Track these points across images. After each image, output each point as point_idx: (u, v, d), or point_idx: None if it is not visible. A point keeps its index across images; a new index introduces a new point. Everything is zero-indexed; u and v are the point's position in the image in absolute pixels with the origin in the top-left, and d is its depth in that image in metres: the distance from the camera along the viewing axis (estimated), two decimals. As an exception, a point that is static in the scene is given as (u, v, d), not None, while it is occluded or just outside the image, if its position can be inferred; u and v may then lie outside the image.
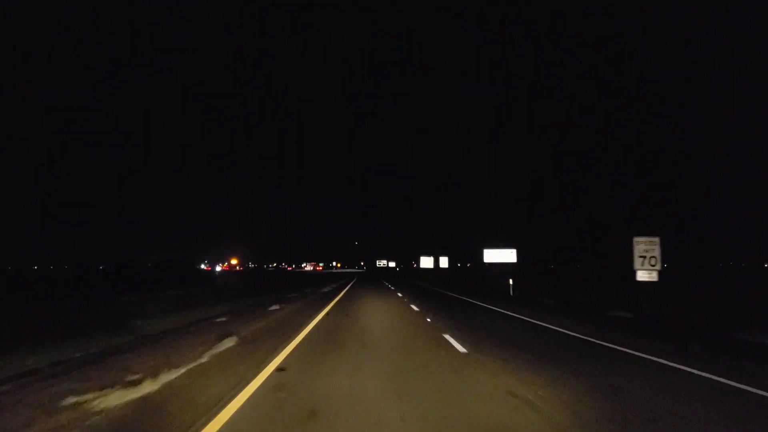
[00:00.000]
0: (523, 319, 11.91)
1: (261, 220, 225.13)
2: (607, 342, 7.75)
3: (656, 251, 11.64)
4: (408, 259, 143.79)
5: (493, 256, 29.39)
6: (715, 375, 5.33)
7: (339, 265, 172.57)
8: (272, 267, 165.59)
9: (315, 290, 25.34)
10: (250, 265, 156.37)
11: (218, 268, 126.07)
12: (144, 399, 4.19)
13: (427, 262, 64.37)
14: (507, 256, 29.26)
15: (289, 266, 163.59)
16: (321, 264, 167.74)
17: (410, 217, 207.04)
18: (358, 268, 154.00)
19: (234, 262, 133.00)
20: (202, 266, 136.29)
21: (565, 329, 9.37)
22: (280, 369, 5.52)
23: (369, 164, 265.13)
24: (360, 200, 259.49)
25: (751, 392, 4.70)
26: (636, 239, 11.90)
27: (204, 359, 5.97)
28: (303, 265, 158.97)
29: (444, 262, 48.71)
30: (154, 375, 4.86)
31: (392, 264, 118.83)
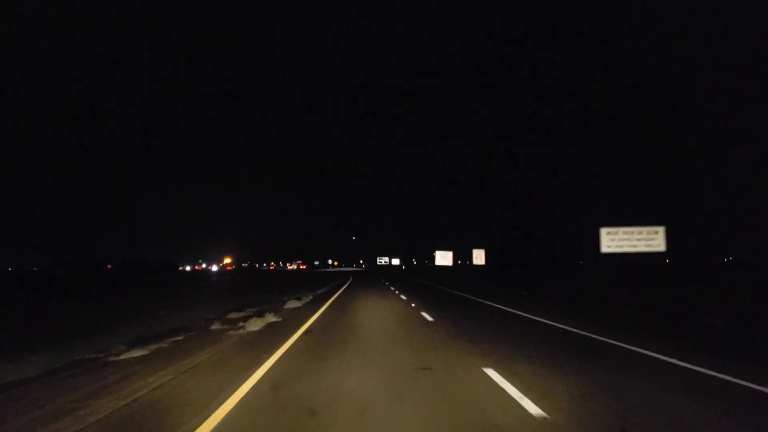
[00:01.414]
0: None
1: (260, 219, 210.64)
2: None
3: None
4: (411, 256, 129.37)
5: (616, 241, 14.67)
6: None
7: (336, 263, 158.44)
8: (264, 266, 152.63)
9: (260, 313, 10.78)
10: (244, 264, 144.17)
11: (214, 268, 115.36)
12: None
13: (443, 258, 49.73)
14: (645, 240, 14.57)
15: (271, 265, 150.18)
16: (315, 262, 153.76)
17: (418, 211, 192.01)
18: (356, 267, 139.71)
19: (227, 261, 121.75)
20: (201, 266, 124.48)
21: None
22: None
23: (371, 161, 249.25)
24: (362, 197, 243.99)
25: None
26: None
27: None
28: (290, 264, 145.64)
29: (479, 256, 33.82)
30: None
31: (396, 261, 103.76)
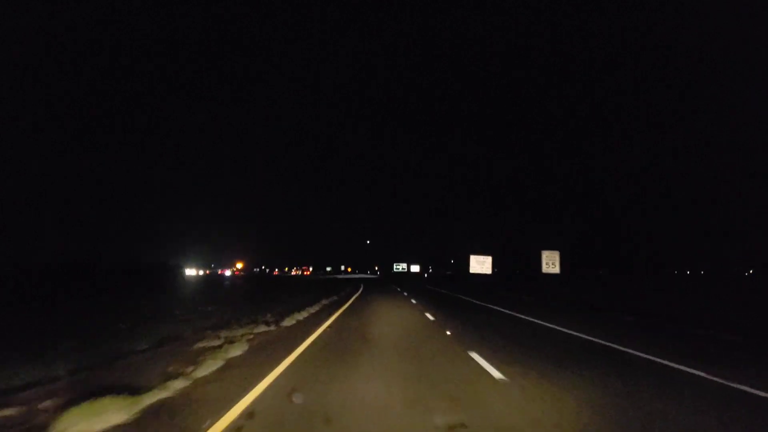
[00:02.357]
0: None
1: (277, 223, 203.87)
2: None
3: None
4: (428, 262, 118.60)
5: None
6: None
7: (350, 269, 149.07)
8: (278, 271, 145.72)
9: None
10: (255, 269, 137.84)
11: (227, 273, 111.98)
12: None
13: (480, 264, 39.23)
14: None
15: (275, 271, 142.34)
16: (328, 268, 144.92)
17: (440, 212, 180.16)
18: (370, 273, 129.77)
19: (239, 266, 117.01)
20: (216, 271, 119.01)
21: None
22: None
23: (387, 161, 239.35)
24: (377, 200, 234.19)
25: None
26: None
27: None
28: (294, 270, 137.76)
29: (552, 261, 23.25)
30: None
31: (415, 268, 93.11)
